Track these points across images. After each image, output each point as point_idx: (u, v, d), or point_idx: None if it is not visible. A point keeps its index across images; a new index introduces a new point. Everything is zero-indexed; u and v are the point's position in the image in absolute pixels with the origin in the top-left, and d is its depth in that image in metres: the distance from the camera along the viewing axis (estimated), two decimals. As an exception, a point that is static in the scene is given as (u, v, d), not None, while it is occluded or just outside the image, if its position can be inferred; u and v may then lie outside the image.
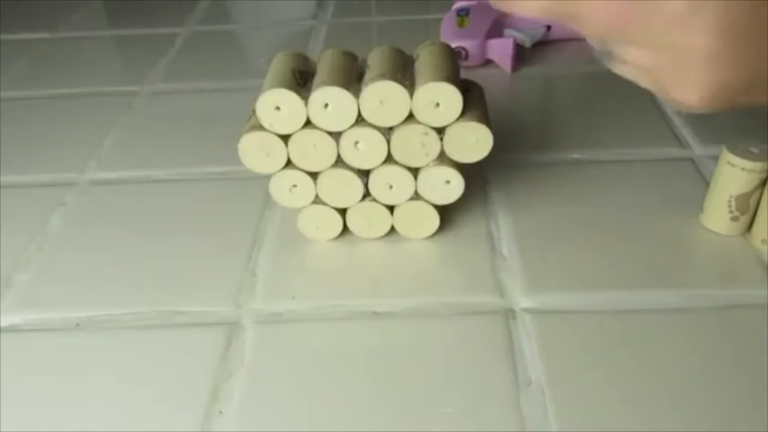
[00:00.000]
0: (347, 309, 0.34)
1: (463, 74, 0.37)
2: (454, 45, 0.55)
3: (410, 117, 0.34)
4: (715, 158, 0.38)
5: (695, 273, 0.35)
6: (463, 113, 0.34)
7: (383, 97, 0.34)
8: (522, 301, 0.34)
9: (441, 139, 0.35)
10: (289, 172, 0.36)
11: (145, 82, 0.57)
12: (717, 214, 0.37)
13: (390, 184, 0.36)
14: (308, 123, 0.35)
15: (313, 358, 0.32)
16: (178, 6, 0.72)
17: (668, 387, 0.29)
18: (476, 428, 0.28)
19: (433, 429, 0.28)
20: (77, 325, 0.34)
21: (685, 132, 0.47)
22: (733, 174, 0.36)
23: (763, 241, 0.36)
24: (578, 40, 0.60)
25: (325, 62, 0.37)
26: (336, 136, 0.35)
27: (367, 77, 0.35)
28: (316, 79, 0.35)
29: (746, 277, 0.35)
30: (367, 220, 0.38)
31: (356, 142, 0.35)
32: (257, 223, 0.40)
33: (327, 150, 0.35)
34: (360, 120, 0.35)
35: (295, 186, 0.37)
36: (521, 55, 0.58)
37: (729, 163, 0.36)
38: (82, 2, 0.75)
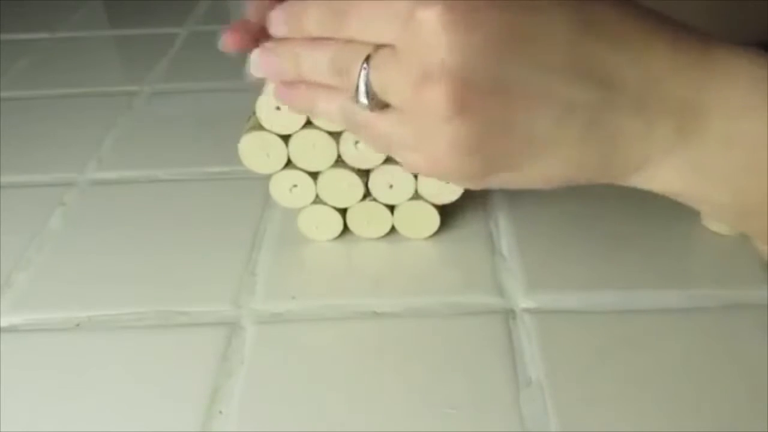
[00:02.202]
0: (347, 309, 0.34)
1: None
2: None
3: (410, 117, 0.34)
4: (715, 158, 0.37)
5: (695, 273, 0.35)
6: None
7: (383, 97, 0.34)
8: (522, 301, 0.34)
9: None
10: (289, 172, 0.36)
11: (145, 82, 0.57)
12: (717, 214, 0.37)
13: (390, 183, 0.36)
14: (308, 123, 0.35)
15: (313, 358, 0.32)
16: (178, 6, 0.72)
17: (668, 387, 0.29)
18: (476, 428, 0.28)
19: (433, 429, 0.28)
20: (77, 325, 0.34)
21: (685, 132, 0.47)
22: (733, 174, 0.36)
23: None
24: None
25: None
26: (336, 135, 0.35)
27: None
28: None
29: (746, 277, 0.35)
30: (367, 220, 0.38)
31: (356, 142, 0.35)
32: (257, 222, 0.40)
33: (327, 150, 0.35)
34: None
35: (295, 186, 0.37)
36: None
37: (729, 163, 0.36)
38: (82, 2, 0.75)
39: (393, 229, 0.38)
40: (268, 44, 0.31)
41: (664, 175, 0.27)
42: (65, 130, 0.51)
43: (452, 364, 0.31)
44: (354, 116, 0.29)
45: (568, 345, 0.32)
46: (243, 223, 0.40)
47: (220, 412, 0.29)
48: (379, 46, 0.27)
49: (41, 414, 0.30)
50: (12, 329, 0.34)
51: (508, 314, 0.33)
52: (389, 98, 0.27)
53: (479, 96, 0.25)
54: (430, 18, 0.25)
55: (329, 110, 0.30)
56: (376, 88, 0.27)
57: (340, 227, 0.38)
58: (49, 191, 0.44)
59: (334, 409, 0.29)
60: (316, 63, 0.29)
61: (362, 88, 0.27)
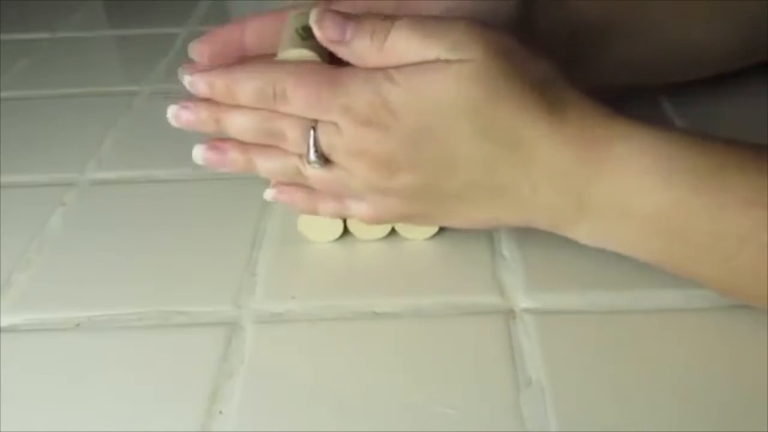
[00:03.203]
0: (347, 309, 0.34)
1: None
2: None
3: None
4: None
5: (695, 273, 0.35)
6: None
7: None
8: (522, 301, 0.34)
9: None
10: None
11: (145, 82, 0.57)
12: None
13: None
14: None
15: (313, 358, 0.32)
16: (178, 6, 0.72)
17: (668, 387, 0.29)
18: (476, 428, 0.28)
19: (433, 429, 0.28)
20: (77, 325, 0.34)
21: (685, 132, 0.47)
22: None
23: (763, 241, 0.36)
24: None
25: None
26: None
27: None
28: None
29: (746, 277, 0.35)
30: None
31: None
32: (257, 223, 0.40)
33: None
34: None
35: (295, 186, 0.37)
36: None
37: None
38: (82, 2, 0.75)
39: (393, 231, 0.38)
40: (188, 102, 0.34)
41: (576, 238, 0.33)
42: (65, 130, 0.51)
43: (452, 364, 0.31)
44: (300, 172, 0.34)
45: (568, 345, 0.32)
46: (243, 223, 0.40)
47: (220, 412, 0.29)
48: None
49: (41, 414, 0.30)
50: (12, 329, 0.34)
51: (508, 314, 0.33)
52: (334, 158, 0.33)
53: (403, 167, 0.32)
54: (364, 117, 0.31)
55: (271, 168, 0.35)
56: (324, 149, 0.32)
57: (340, 229, 0.38)
58: (49, 191, 0.44)
59: (334, 409, 0.29)
60: (241, 126, 0.33)
61: (312, 150, 0.32)
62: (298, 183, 0.35)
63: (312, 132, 0.32)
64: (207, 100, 0.34)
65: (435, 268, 0.36)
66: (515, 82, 0.30)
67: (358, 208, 0.35)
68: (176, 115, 0.34)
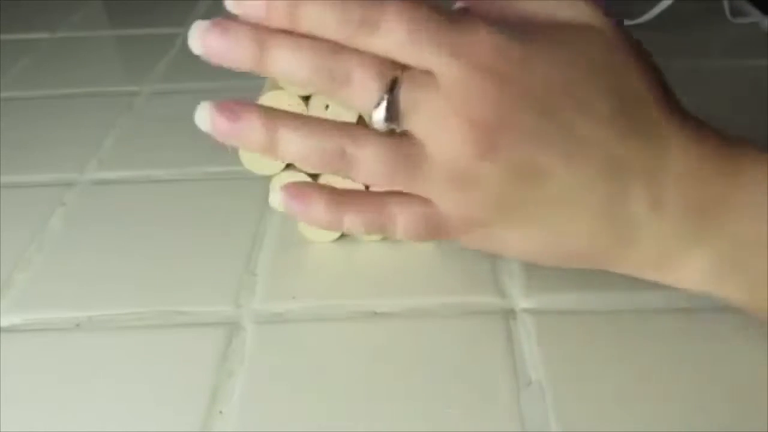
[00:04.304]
0: (347, 309, 0.34)
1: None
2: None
3: (410, 117, 0.34)
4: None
5: (695, 273, 0.35)
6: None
7: (383, 97, 0.34)
8: (522, 301, 0.34)
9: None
10: (290, 174, 0.36)
11: (145, 82, 0.57)
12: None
13: (390, 184, 0.36)
14: None
15: (313, 358, 0.32)
16: (178, 6, 0.72)
17: (668, 387, 0.29)
18: (476, 428, 0.28)
19: (433, 429, 0.28)
20: (77, 325, 0.34)
21: (685, 132, 0.47)
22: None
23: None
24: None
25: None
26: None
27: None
28: None
29: (746, 277, 0.35)
30: (367, 220, 0.38)
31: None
32: (257, 223, 0.40)
33: None
34: (361, 122, 0.35)
35: (295, 186, 0.37)
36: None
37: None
38: (82, 2, 0.75)
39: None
40: (224, 21, 0.26)
41: (684, 273, 0.27)
42: (65, 130, 0.51)
43: (452, 364, 0.31)
44: (343, 155, 0.25)
45: (568, 345, 0.32)
46: (243, 223, 0.40)
47: (220, 412, 0.29)
48: (407, 66, 0.24)
49: (41, 414, 0.30)
50: (12, 329, 0.34)
51: (508, 314, 0.33)
52: (412, 124, 0.25)
53: (514, 142, 0.24)
54: (484, 62, 0.24)
55: (302, 146, 0.26)
56: (404, 107, 0.24)
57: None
58: (49, 191, 0.44)
59: (335, 410, 0.29)
60: (293, 60, 0.25)
61: (386, 103, 0.24)
62: (321, 184, 0.28)
63: (394, 79, 0.24)
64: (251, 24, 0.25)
65: (435, 268, 0.36)
66: (644, 69, 0.26)
67: (405, 221, 0.27)
68: (203, 37, 0.26)
